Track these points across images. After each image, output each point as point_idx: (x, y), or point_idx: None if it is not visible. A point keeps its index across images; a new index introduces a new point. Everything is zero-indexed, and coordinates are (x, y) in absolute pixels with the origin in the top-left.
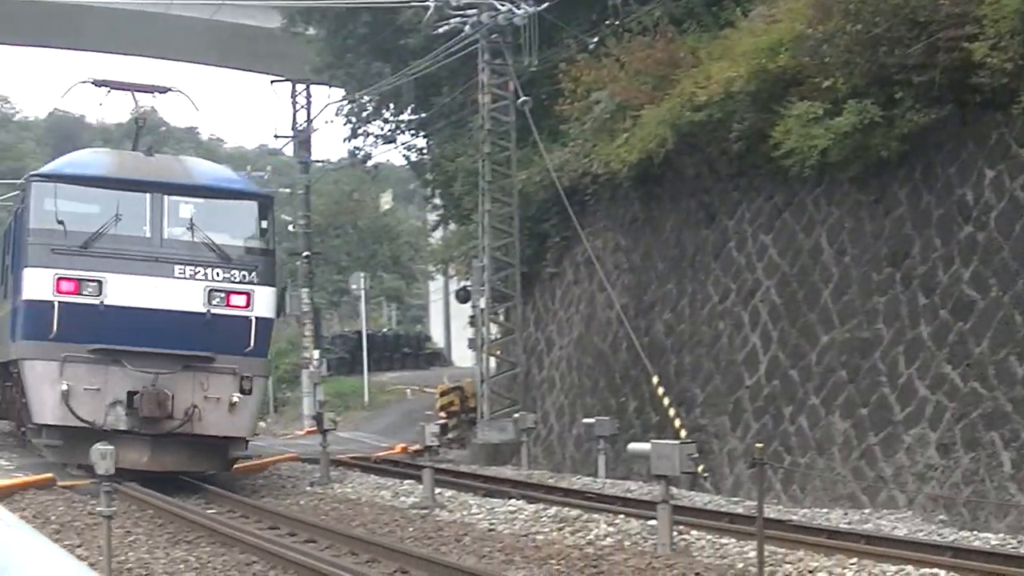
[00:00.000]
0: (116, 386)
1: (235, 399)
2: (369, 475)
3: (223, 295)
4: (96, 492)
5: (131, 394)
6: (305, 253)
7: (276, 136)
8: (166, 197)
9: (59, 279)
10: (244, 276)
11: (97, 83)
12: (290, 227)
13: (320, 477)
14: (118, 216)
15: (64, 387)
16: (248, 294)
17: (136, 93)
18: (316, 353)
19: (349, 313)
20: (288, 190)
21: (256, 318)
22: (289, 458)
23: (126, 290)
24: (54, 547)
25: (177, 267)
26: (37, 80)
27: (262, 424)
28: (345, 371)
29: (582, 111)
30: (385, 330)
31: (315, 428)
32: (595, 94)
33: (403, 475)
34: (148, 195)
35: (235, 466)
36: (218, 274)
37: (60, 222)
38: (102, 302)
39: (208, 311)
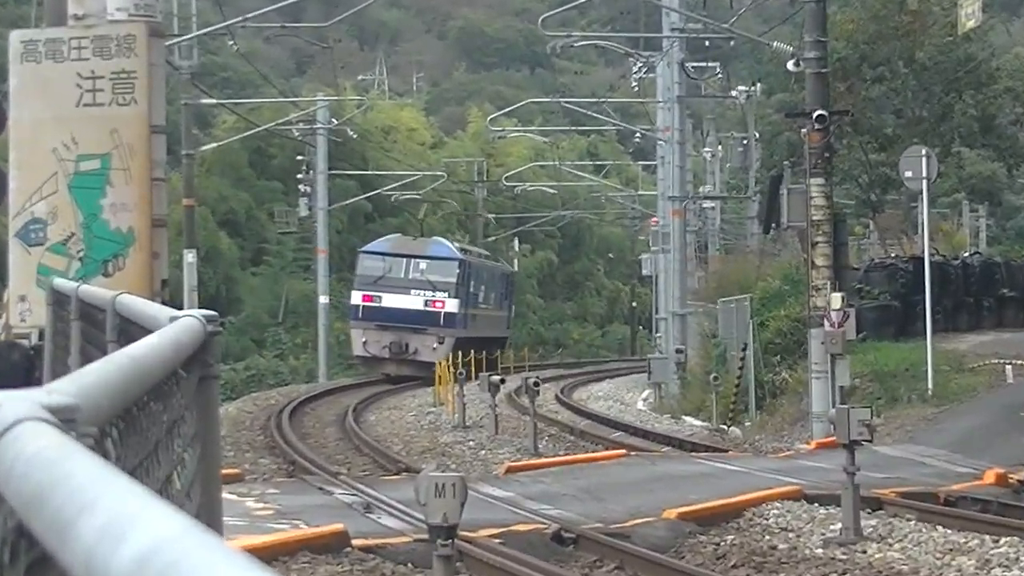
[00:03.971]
0: (385, 339)
1: (435, 346)
2: (934, 527)
3: (430, 302)
4: (418, 556)
5: (392, 342)
6: (817, 112)
7: None
8: (412, 260)
9: (364, 295)
10: (442, 294)
11: None
12: (789, 65)
13: (842, 529)
14: (391, 268)
15: (364, 339)
16: (443, 301)
17: None
18: (837, 298)
19: (898, 223)
20: None
21: (444, 312)
22: (784, 494)
23: (390, 300)
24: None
25: (413, 290)
26: None
27: (735, 431)
28: (891, 330)
29: None
30: (966, 254)
31: (832, 438)
32: None
33: (1000, 527)
34: (404, 259)
35: (679, 510)
36: (428, 293)
37: (366, 272)
38: (380, 304)
39: (423, 308)
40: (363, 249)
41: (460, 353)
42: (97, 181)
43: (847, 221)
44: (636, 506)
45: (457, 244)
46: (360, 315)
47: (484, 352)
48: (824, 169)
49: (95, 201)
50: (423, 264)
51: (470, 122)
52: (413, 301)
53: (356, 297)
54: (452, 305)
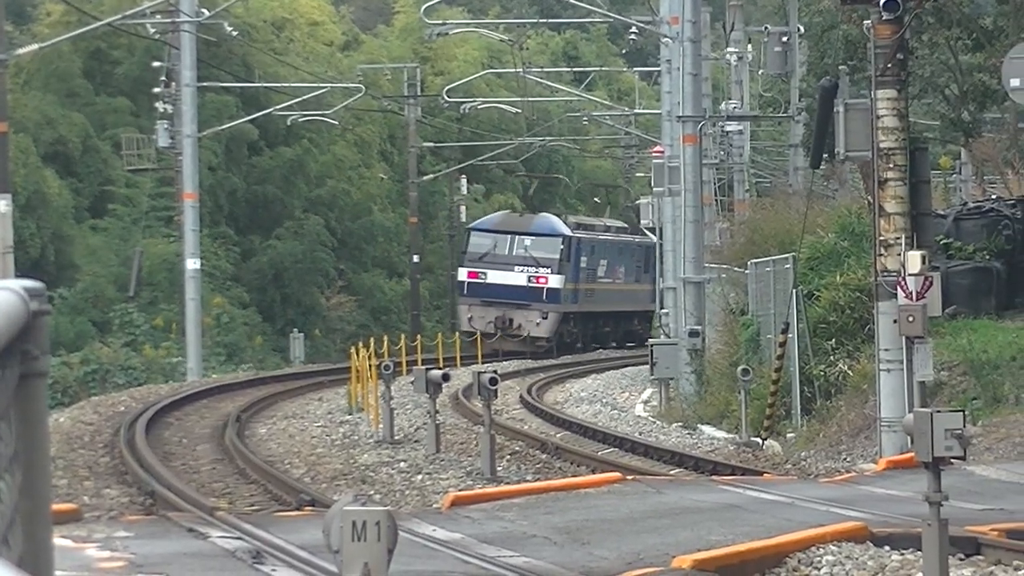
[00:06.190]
0: (490, 315)
1: (538, 321)
2: None
3: (534, 277)
4: None
5: (497, 317)
6: None
7: None
8: (516, 236)
9: (469, 272)
10: (545, 270)
11: None
12: None
13: None
14: (496, 245)
15: (470, 316)
16: (546, 277)
17: None
18: (915, 258)
19: (1001, 152)
20: None
21: (547, 288)
22: (843, 533)
23: (495, 276)
24: None
25: (516, 267)
26: None
27: (773, 446)
28: (991, 303)
29: None
30: None
31: (909, 454)
32: None
33: None
34: (509, 235)
35: (695, 556)
36: (532, 269)
37: (473, 249)
38: (485, 281)
39: (526, 284)
40: (471, 226)
41: (577, 328)
42: None
43: (929, 149)
44: (635, 551)
45: (573, 219)
46: (466, 291)
47: (621, 326)
48: (897, 76)
49: None
50: (528, 240)
51: (397, 12)
52: (517, 277)
53: (462, 274)
54: (556, 281)
